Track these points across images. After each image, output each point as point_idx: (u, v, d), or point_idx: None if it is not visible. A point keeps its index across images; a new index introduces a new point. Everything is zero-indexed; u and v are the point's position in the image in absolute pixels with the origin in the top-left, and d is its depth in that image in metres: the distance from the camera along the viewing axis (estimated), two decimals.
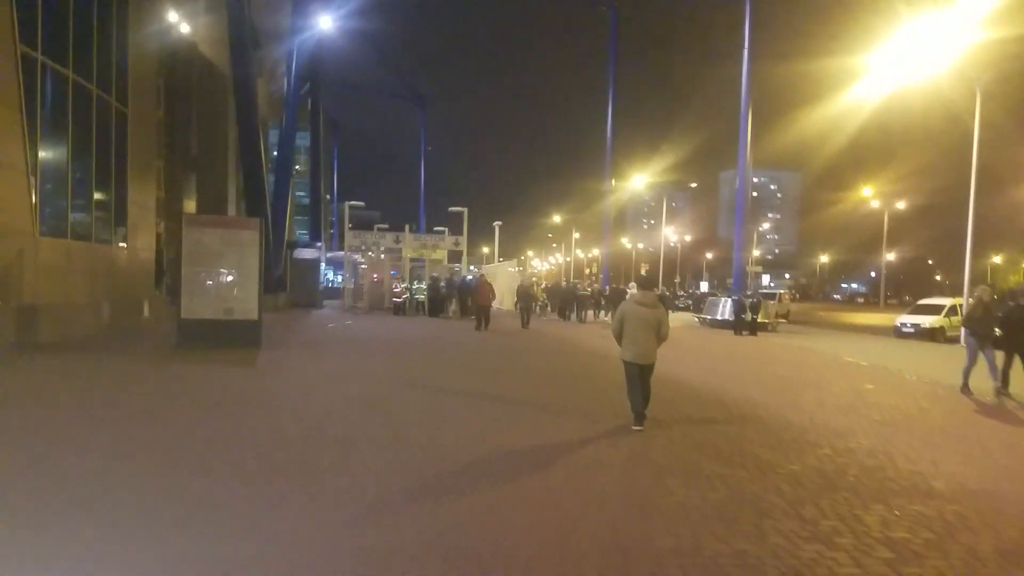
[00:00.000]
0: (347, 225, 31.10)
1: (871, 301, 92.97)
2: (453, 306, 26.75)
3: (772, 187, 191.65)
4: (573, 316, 28.04)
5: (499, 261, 42.94)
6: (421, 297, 28.19)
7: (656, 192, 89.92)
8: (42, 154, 13.37)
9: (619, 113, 42.46)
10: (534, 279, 42.75)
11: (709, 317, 27.00)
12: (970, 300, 13.30)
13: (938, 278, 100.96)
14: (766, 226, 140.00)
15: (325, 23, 35.68)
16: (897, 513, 4.69)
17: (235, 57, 26.09)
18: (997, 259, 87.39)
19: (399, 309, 27.23)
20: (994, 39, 21.90)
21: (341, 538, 3.87)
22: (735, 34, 27.54)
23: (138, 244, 17.62)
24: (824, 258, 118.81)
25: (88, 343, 13.02)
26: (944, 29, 22.57)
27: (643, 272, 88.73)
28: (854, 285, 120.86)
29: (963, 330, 10.27)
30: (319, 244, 34.25)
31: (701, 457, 5.91)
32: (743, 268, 28.32)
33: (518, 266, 49.43)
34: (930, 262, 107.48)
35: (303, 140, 51.05)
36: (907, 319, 25.90)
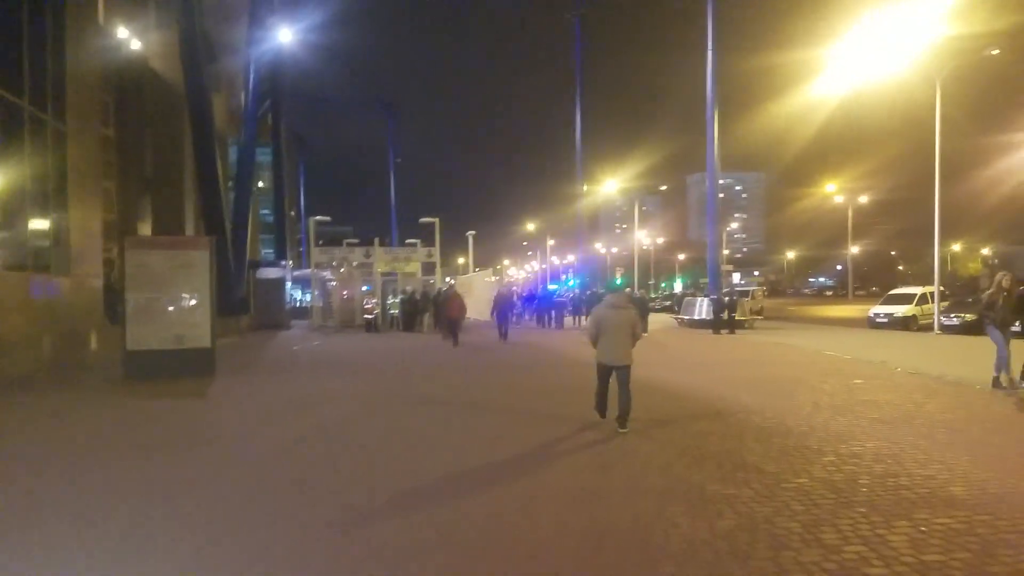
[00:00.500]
0: (312, 242, 30.13)
1: (839, 294, 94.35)
2: (427, 320, 25.95)
3: (737, 188, 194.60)
4: (552, 323, 27.54)
5: (475, 271, 42.19)
6: (394, 312, 27.37)
7: (627, 197, 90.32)
8: None
9: (588, 120, 42.21)
10: (514, 288, 42.16)
11: (687, 317, 26.66)
12: (983, 292, 12.19)
13: (900, 268, 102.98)
14: (734, 226, 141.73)
15: (284, 35, 34.85)
16: (924, 530, 4.14)
17: (188, 72, 25.09)
18: (956, 247, 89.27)
19: (371, 326, 26.36)
20: (954, 35, 22.11)
21: None
22: (698, 31, 27.43)
23: (84, 271, 16.52)
24: (791, 254, 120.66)
25: (24, 382, 11.97)
26: (906, 24, 22.73)
27: (618, 276, 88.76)
28: (821, 279, 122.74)
29: (985, 320, 9.67)
30: (284, 263, 33.14)
31: (702, 476, 5.31)
32: (718, 267, 28.03)
33: (494, 275, 48.81)
34: (893, 253, 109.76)
35: (266, 156, 49.90)
36: (880, 309, 25.92)
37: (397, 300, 26.86)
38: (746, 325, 24.88)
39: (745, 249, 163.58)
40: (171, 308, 12.14)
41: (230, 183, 31.08)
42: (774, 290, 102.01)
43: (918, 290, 26.28)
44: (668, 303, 44.20)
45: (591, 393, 7.53)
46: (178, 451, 6.54)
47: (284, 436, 7.13)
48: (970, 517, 4.35)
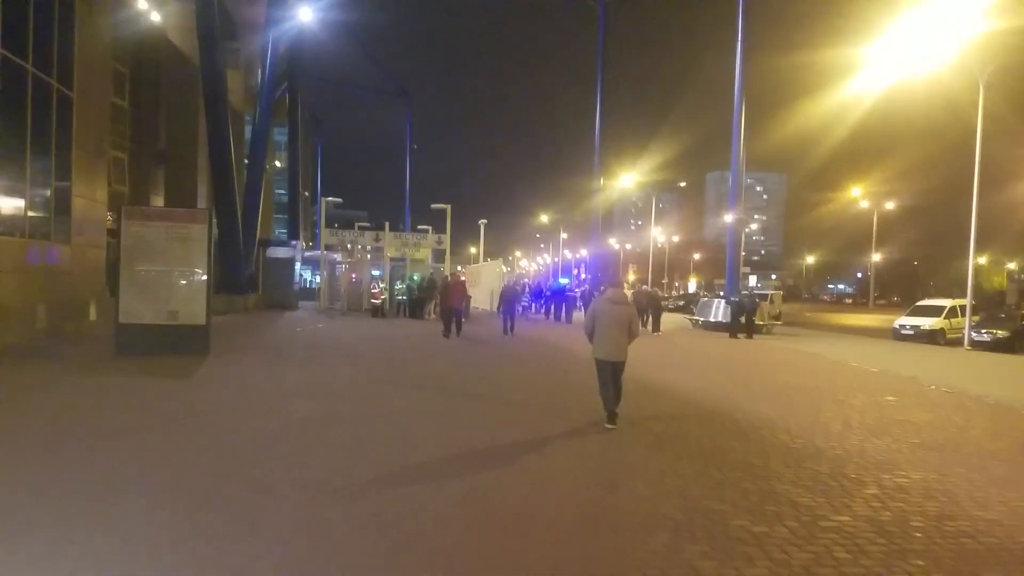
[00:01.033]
0: (323, 223, 29.61)
1: (859, 302, 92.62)
2: (434, 308, 25.32)
3: (758, 188, 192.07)
4: (563, 317, 26.83)
5: (484, 261, 41.49)
6: (402, 298, 26.79)
7: (644, 192, 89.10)
8: None
9: (608, 112, 41.22)
10: (525, 280, 41.40)
11: (702, 319, 25.84)
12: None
13: (921, 279, 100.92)
14: (753, 227, 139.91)
15: (305, 15, 34.27)
16: None
17: (204, 46, 24.58)
18: (982, 260, 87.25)
19: (377, 311, 25.82)
20: (997, 30, 20.95)
21: None
22: (727, 27, 26.49)
23: (86, 241, 16.09)
24: (810, 259, 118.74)
25: (16, 350, 11.53)
26: (947, 19, 21.60)
27: (631, 275, 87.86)
28: (840, 286, 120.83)
29: None
30: (294, 242, 32.64)
31: (724, 505, 4.63)
32: (737, 267, 27.13)
33: (504, 266, 48.07)
34: (915, 263, 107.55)
35: (283, 136, 49.50)
36: (906, 321, 24.96)
37: (404, 286, 26.25)
38: (764, 330, 24.03)
39: (763, 252, 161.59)
40: (167, 282, 11.63)
41: (245, 160, 30.60)
42: (791, 295, 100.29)
43: (947, 302, 25.26)
44: (682, 303, 43.29)
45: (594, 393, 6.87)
46: (141, 439, 5.97)
47: (259, 430, 6.53)
48: None
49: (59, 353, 11.59)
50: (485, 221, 35.63)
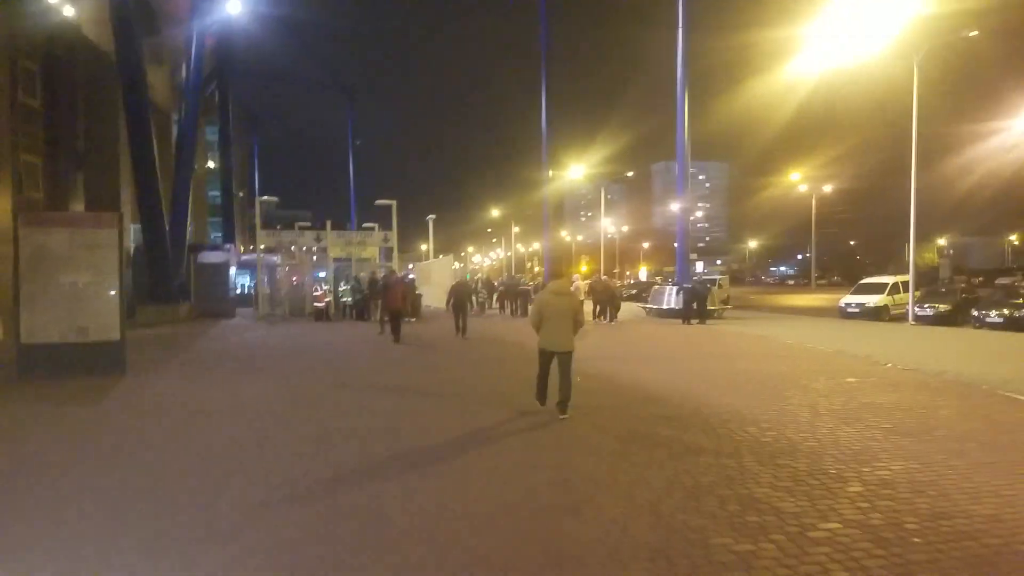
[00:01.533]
0: (259, 224, 28.20)
1: (801, 283, 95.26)
2: (379, 309, 24.31)
3: (700, 177, 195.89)
4: (518, 312, 26.24)
5: (434, 258, 40.50)
6: (347, 300, 25.67)
7: (593, 184, 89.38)
8: None
9: (555, 104, 40.84)
10: (478, 275, 40.57)
11: (655, 307, 25.65)
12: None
13: (858, 258, 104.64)
14: (698, 214, 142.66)
15: (233, 7, 32.62)
16: None
17: (119, 39, 22.94)
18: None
19: (321, 315, 24.68)
20: (931, 14, 21.34)
21: None
22: (668, 11, 26.29)
23: None
24: (753, 244, 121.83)
25: None
26: (883, 2, 21.87)
27: (584, 266, 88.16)
28: (783, 268, 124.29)
29: None
30: (228, 246, 31.02)
31: (702, 519, 4.07)
32: (687, 254, 27.07)
33: (457, 262, 47.13)
34: (852, 243, 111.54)
35: (217, 135, 47.28)
36: (851, 299, 25.33)
37: (348, 287, 25.15)
38: (716, 315, 24.01)
39: (708, 238, 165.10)
40: (74, 296, 10.46)
41: (173, 162, 28.84)
42: (736, 279, 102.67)
43: (889, 280, 25.78)
44: (634, 291, 43.31)
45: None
46: (44, 474, 5.06)
47: (168, 463, 5.67)
48: None
49: None
50: (433, 216, 34.65)
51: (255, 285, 29.71)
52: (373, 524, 4.09)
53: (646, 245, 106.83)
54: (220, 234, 45.58)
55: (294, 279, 27.59)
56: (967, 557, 3.55)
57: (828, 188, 75.47)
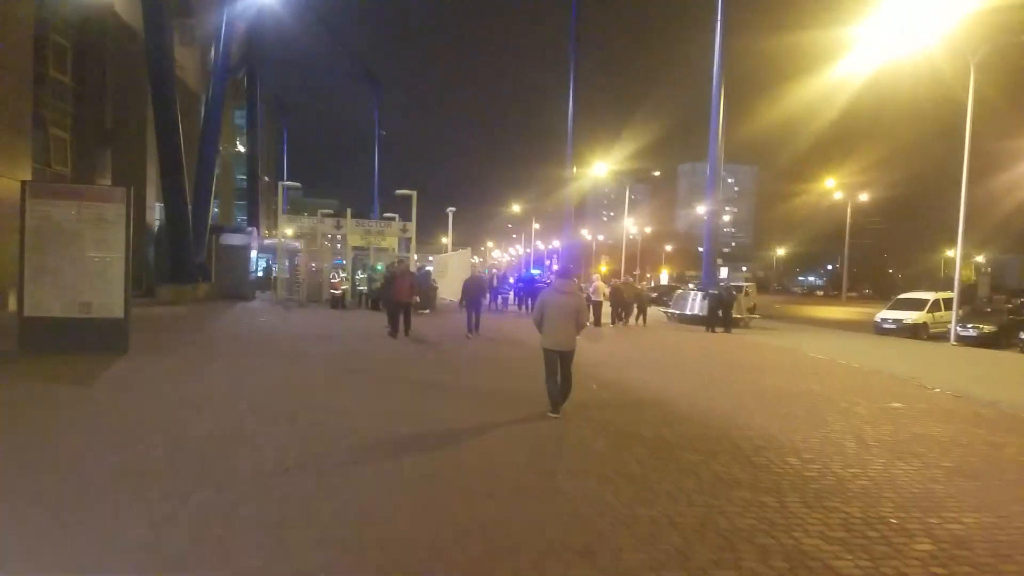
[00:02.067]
0: (280, 209, 27.90)
1: (830, 294, 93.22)
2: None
3: (729, 180, 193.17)
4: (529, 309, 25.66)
5: (451, 251, 39.98)
6: (363, 288, 25.26)
7: (616, 184, 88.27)
8: None
9: (581, 99, 40.00)
10: (493, 270, 39.98)
11: (677, 312, 24.84)
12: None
13: (890, 271, 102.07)
14: (724, 219, 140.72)
15: None
16: None
17: (148, 18, 22.70)
18: (951, 252, 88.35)
19: (337, 302, 24.31)
20: (989, 8, 20.08)
21: None
22: (707, 9, 25.39)
23: (2, 224, 14.35)
24: (780, 251, 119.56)
25: None
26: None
27: (603, 267, 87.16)
28: (811, 278, 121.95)
29: None
30: (250, 229, 30.78)
31: None
32: (713, 258, 26.22)
33: (477, 256, 46.61)
34: (885, 256, 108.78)
35: (245, 120, 47.24)
36: (888, 314, 24.28)
37: (365, 276, 24.72)
38: (741, 324, 23.14)
39: (733, 243, 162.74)
40: (79, 270, 10.08)
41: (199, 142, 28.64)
42: (761, 287, 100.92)
43: (930, 296, 24.60)
44: (655, 295, 42.39)
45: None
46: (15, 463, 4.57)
47: (141, 455, 5.16)
48: None
49: None
50: (454, 209, 34.08)
51: (275, 270, 29.47)
52: None
53: (669, 248, 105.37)
54: (245, 217, 45.61)
55: (312, 265, 27.26)
56: None
57: (864, 197, 73.31)
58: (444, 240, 52.03)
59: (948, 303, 23.21)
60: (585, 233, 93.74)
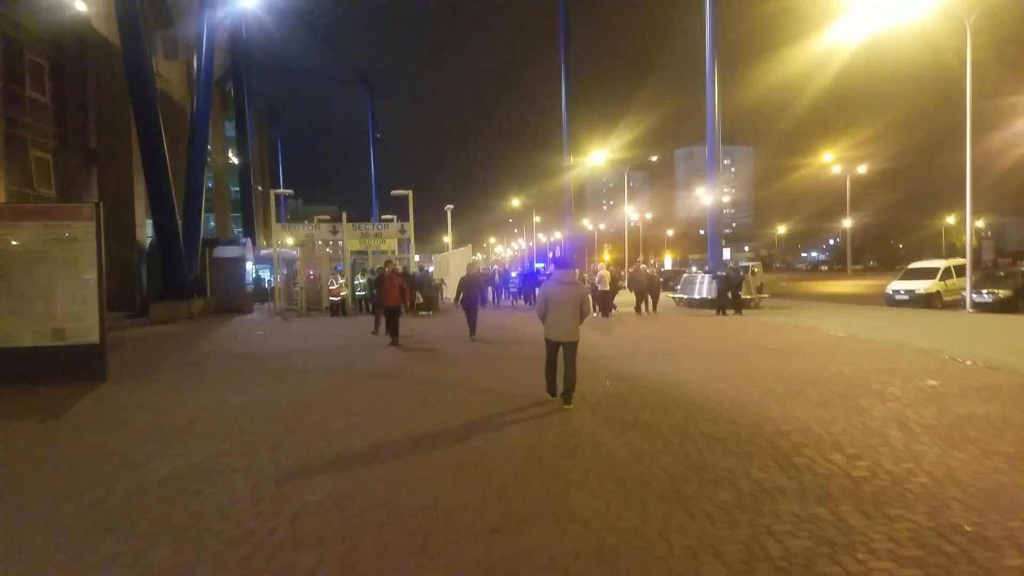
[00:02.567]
0: (275, 218, 27.27)
1: (835, 268, 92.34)
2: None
3: (726, 162, 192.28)
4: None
5: (452, 249, 39.34)
6: (363, 294, 24.64)
7: (615, 172, 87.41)
8: None
9: (575, 89, 39.39)
10: (494, 267, 39.31)
11: (686, 296, 24.18)
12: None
13: (891, 242, 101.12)
14: (725, 199, 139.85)
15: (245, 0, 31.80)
16: None
17: (125, 35, 22.05)
18: (951, 219, 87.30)
19: (337, 310, 23.69)
20: None
21: None
22: None
23: None
24: (781, 228, 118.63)
25: None
26: None
27: (606, 255, 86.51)
28: (813, 254, 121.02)
29: None
30: (243, 240, 30.14)
31: None
32: (718, 240, 25.53)
33: (480, 253, 45.95)
34: (886, 227, 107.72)
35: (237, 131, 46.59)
36: (900, 285, 23.60)
37: (364, 281, 24.09)
38: (752, 304, 22.47)
39: (734, 224, 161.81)
40: (48, 294, 9.47)
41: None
42: (765, 265, 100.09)
43: (940, 263, 23.93)
44: (660, 280, 41.66)
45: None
46: None
47: (99, 507, 4.54)
48: None
49: None
50: (451, 207, 33.46)
51: (271, 280, 28.87)
52: None
53: (670, 232, 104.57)
54: (242, 229, 45.07)
55: (311, 273, 26.63)
56: None
57: (863, 169, 72.38)
58: (446, 239, 51.45)
59: (959, 270, 22.54)
60: (586, 223, 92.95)
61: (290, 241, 29.54)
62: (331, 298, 24.36)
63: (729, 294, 20.43)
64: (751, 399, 7.35)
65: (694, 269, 27.06)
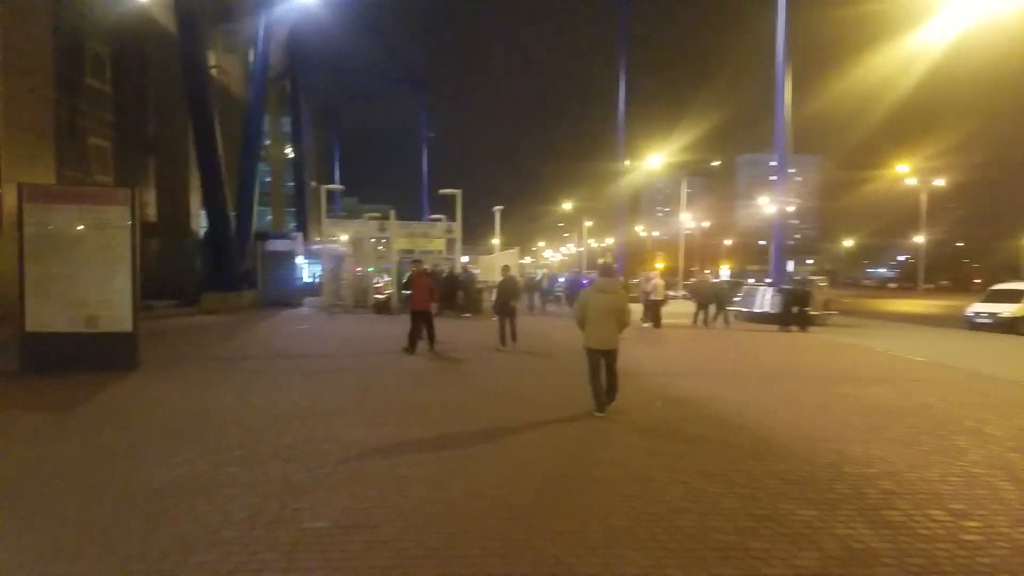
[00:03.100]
0: (323, 212, 27.27)
1: (904, 286, 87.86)
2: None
3: (791, 171, 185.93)
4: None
5: (499, 251, 38.80)
6: (408, 292, 24.26)
7: (670, 179, 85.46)
8: None
9: (633, 92, 38.27)
10: (544, 271, 38.60)
11: (745, 310, 22.87)
12: None
13: (965, 261, 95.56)
14: (789, 210, 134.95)
15: None
16: None
17: (182, 26, 22.40)
18: None
19: (381, 307, 23.41)
20: None
21: None
22: None
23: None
24: (848, 242, 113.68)
25: None
26: None
27: (659, 264, 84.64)
28: (881, 270, 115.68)
29: None
30: (295, 234, 30.33)
31: None
32: (782, 251, 24.09)
33: (528, 256, 45.34)
34: (959, 245, 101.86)
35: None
36: (981, 308, 21.74)
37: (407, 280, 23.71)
38: (818, 322, 21.00)
39: (798, 236, 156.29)
40: (82, 281, 9.26)
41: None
42: (830, 280, 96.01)
43: None
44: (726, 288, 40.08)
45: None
46: None
47: (93, 511, 4.04)
48: None
49: None
50: (500, 208, 32.85)
51: (320, 275, 28.90)
52: None
53: (728, 242, 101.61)
54: (296, 223, 45.71)
55: (359, 270, 26.49)
56: None
57: (940, 182, 68.42)
58: (495, 241, 51.06)
59: None
60: (639, 230, 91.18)
61: (343, 238, 29.55)
62: (376, 296, 24.12)
63: (795, 309, 19.12)
64: (826, 433, 6.40)
65: (752, 281, 25.63)
